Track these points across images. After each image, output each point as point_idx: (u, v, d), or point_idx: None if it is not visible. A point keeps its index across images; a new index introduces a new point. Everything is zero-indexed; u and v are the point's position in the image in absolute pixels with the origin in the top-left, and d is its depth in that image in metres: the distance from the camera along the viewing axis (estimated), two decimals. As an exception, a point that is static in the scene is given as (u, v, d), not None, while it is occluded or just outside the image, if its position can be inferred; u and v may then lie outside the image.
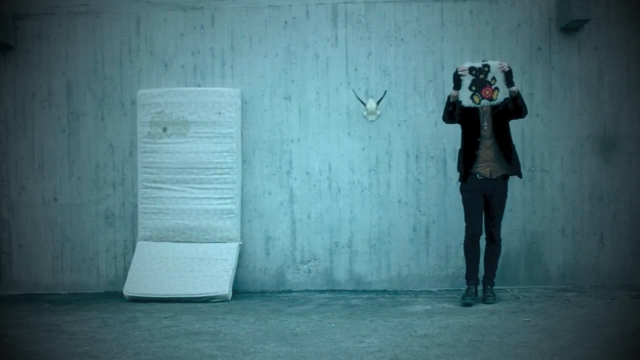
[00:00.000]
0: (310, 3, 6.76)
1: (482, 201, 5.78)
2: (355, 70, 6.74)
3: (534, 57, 6.60)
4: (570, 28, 6.52)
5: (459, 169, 5.90)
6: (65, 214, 6.93)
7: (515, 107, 5.67)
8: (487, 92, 5.61)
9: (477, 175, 5.75)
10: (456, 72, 5.70)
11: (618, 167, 6.60)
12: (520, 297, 6.13)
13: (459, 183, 5.94)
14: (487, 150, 5.75)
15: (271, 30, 6.80)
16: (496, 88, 5.61)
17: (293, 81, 6.77)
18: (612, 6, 6.59)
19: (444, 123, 5.97)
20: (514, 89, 5.62)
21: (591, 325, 4.92)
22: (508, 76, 5.62)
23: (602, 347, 4.32)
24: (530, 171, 6.60)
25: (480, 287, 6.04)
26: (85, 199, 6.91)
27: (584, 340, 4.51)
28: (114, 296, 6.61)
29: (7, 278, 6.97)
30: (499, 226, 5.88)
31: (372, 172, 6.72)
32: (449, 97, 5.74)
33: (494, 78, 5.62)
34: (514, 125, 6.44)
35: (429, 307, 5.82)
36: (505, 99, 5.64)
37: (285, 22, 6.78)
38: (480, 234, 5.81)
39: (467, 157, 5.78)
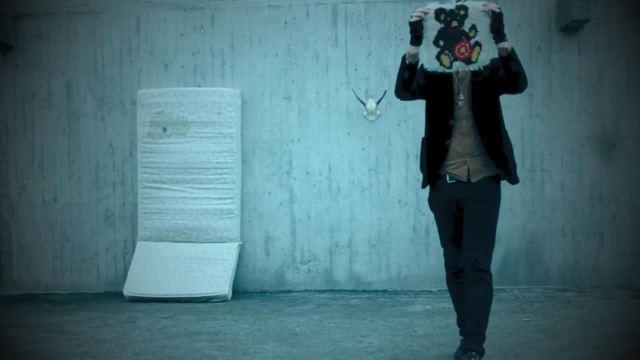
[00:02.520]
0: (310, 3, 6.76)
1: (459, 218, 3.92)
2: (355, 70, 6.74)
3: (534, 57, 6.60)
4: (570, 28, 6.52)
5: (422, 168, 3.99)
6: (65, 214, 6.93)
7: (508, 74, 3.71)
8: (462, 50, 3.62)
9: (447, 178, 3.84)
10: (412, 17, 3.68)
11: (618, 167, 6.59)
12: (520, 297, 6.13)
13: (428, 190, 4.06)
14: (463, 139, 3.80)
15: (271, 30, 6.80)
16: (477, 43, 3.61)
17: (293, 81, 6.77)
18: (612, 6, 6.58)
19: (399, 100, 4.06)
20: (505, 44, 3.63)
21: (591, 325, 4.92)
22: (496, 24, 3.58)
23: (602, 347, 4.32)
24: (530, 171, 6.59)
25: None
26: (85, 199, 6.91)
27: (584, 340, 4.51)
28: (114, 296, 6.61)
29: (7, 278, 6.97)
30: (485, 250, 3.83)
31: (372, 172, 6.72)
32: (403, 58, 3.78)
33: (473, 27, 3.60)
34: (512, 123, 6.43)
35: (428, 307, 5.82)
36: (493, 60, 3.69)
37: (285, 22, 6.78)
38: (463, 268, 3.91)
39: (433, 151, 3.86)
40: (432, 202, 4.03)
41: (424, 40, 3.66)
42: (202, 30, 6.84)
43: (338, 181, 6.74)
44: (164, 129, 6.70)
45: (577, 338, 4.56)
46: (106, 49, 6.91)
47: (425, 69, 3.71)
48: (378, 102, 6.68)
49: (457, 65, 3.65)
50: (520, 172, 6.53)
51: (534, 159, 6.61)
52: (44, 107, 6.95)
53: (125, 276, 6.70)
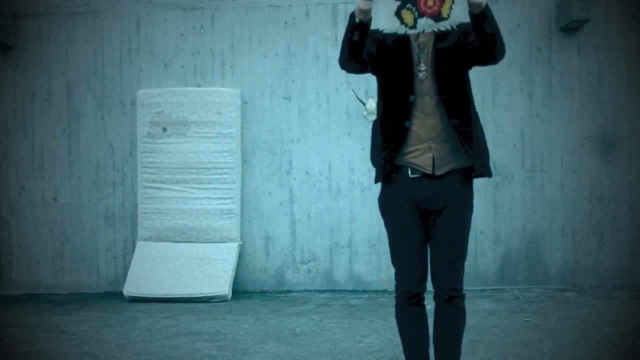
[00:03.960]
0: (310, 3, 6.76)
1: (423, 224, 3.03)
2: (355, 70, 6.73)
3: (533, 57, 6.60)
4: (570, 28, 6.52)
5: (373, 159, 3.20)
6: (65, 214, 6.93)
7: (481, 38, 2.84)
8: (429, 2, 2.75)
9: (409, 172, 2.99)
10: None
11: (618, 167, 6.59)
12: (520, 297, 6.12)
13: (380, 187, 3.20)
14: (427, 119, 2.96)
15: (271, 30, 6.80)
16: None
17: (293, 81, 6.77)
18: (612, 6, 6.58)
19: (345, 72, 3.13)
20: (477, 0, 2.77)
21: (591, 325, 4.92)
22: None
23: (602, 347, 4.32)
24: (530, 171, 6.59)
25: None
26: (85, 199, 6.91)
27: (584, 340, 4.51)
28: (114, 296, 6.61)
29: (7, 278, 6.97)
30: (460, 271, 3.09)
31: (372, 172, 6.70)
32: (352, 16, 2.84)
33: None
34: (512, 123, 6.44)
35: (428, 307, 5.78)
36: (464, 24, 2.85)
37: (285, 22, 6.78)
38: (424, 291, 3.29)
39: (390, 134, 3.08)
40: (386, 204, 3.11)
41: None
42: (202, 30, 6.84)
43: (338, 181, 6.74)
44: (164, 129, 6.70)
45: (577, 338, 4.56)
46: (106, 49, 6.91)
47: (381, 31, 2.85)
48: (378, 102, 6.66)
49: (424, 24, 2.76)
50: (520, 172, 6.58)
51: (534, 159, 6.61)
52: (44, 107, 6.95)
53: (125, 276, 6.70)
